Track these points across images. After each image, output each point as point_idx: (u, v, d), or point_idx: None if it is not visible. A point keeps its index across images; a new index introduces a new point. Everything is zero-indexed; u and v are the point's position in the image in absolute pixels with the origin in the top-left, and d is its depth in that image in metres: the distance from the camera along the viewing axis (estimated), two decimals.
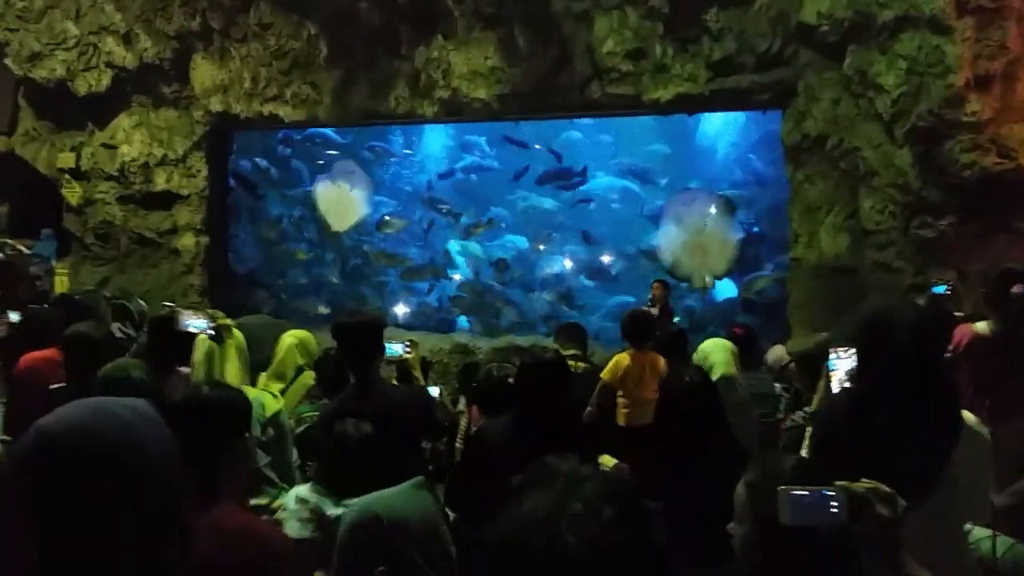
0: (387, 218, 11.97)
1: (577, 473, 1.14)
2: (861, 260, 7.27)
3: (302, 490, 3.06)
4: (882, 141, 6.96)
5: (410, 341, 4.13)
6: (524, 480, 1.14)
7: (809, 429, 2.43)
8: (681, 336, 5.88)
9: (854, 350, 2.37)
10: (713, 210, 10.32)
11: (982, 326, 4.43)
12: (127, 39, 8.92)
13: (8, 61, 9.12)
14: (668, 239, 10.51)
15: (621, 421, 5.17)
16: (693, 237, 10.32)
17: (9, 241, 8.98)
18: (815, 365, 3.52)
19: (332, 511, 2.88)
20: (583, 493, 1.10)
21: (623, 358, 5.20)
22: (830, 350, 2.63)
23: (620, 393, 5.18)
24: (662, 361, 5.26)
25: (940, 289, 5.04)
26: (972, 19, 6.38)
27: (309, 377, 3.87)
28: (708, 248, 10.32)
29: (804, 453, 2.36)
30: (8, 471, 1.11)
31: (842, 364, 2.49)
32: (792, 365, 5.56)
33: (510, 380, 3.92)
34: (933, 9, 6.42)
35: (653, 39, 7.79)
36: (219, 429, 2.13)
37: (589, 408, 4.97)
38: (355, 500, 2.71)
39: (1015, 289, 4.42)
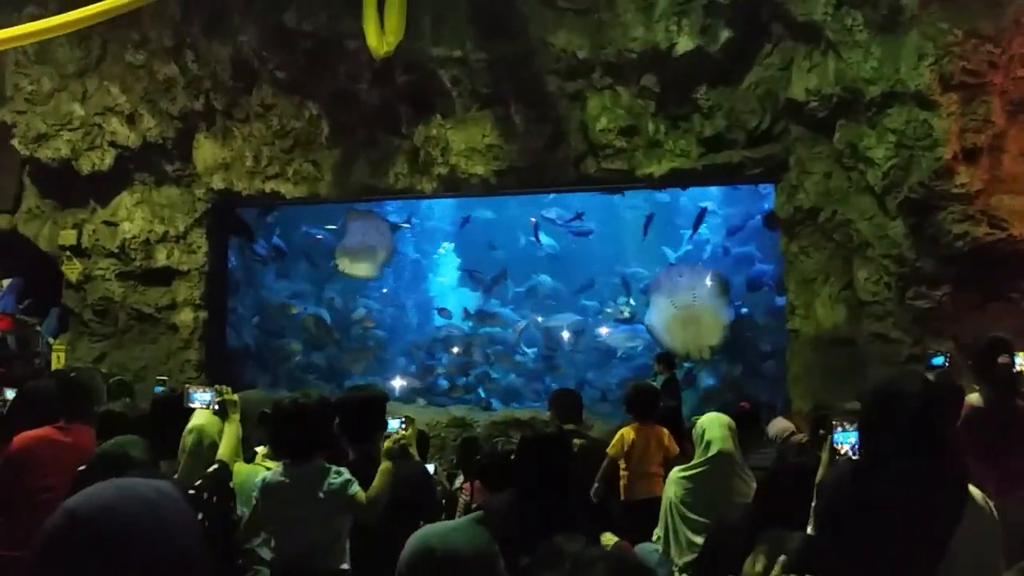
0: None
1: (586, 554, 1.14)
2: (858, 331, 7.29)
3: None
4: (875, 213, 7.06)
5: (406, 417, 4.09)
6: (533, 561, 1.13)
7: (813, 504, 2.40)
8: (674, 412, 5.85)
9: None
10: (702, 284, 10.46)
11: (975, 397, 4.43)
12: (131, 119, 9.12)
13: (15, 142, 9.30)
14: (659, 313, 10.62)
15: (623, 495, 5.11)
16: (684, 311, 10.41)
17: (29, 320, 9.07)
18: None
19: None
20: (592, 575, 1.09)
21: (628, 432, 5.17)
22: (835, 423, 2.62)
23: (623, 467, 5.13)
24: (666, 434, 5.22)
25: (938, 360, 5.06)
26: (956, 94, 6.56)
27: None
28: (701, 321, 10.39)
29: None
30: (36, 551, 1.12)
31: (848, 438, 2.47)
32: (794, 437, 5.53)
33: (513, 456, 3.87)
34: (918, 85, 6.60)
35: (645, 116, 7.99)
36: None
37: (596, 484, 4.92)
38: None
39: (1002, 359, 4.45)
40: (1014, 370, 4.55)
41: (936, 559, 2.00)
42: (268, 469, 3.74)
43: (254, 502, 3.50)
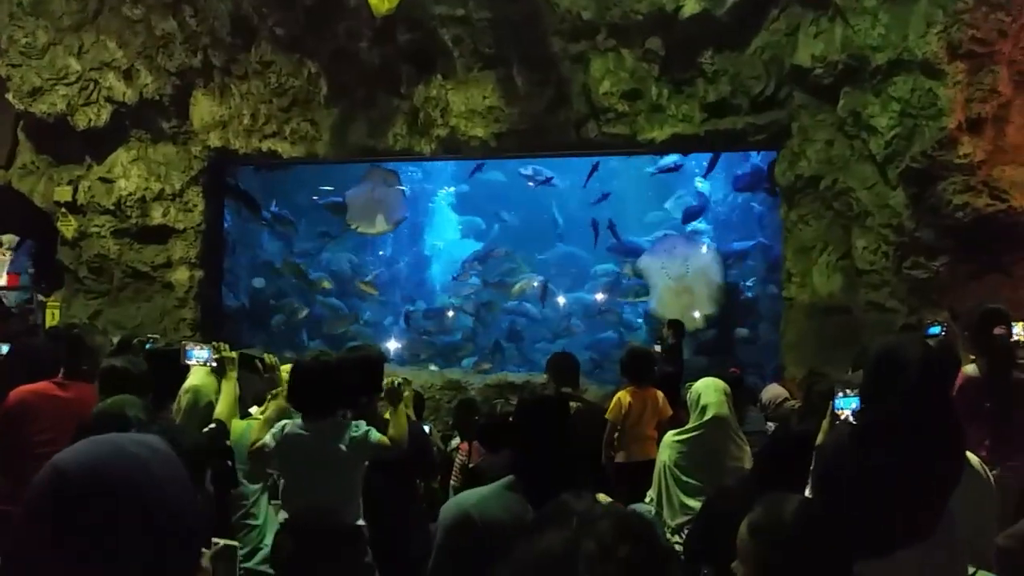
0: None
1: (592, 511, 1.14)
2: (855, 300, 7.31)
3: None
4: (876, 182, 7.04)
5: (403, 379, 4.12)
6: (539, 518, 1.14)
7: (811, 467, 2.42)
8: (670, 378, 5.87)
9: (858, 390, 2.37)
10: (694, 254, 10.48)
11: (971, 368, 4.45)
12: (128, 75, 8.99)
13: (9, 96, 9.17)
14: (653, 284, 10.66)
15: (619, 458, 5.15)
16: (676, 282, 10.43)
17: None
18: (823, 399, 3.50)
19: None
20: (598, 531, 1.09)
21: (624, 396, 5.20)
22: (836, 389, 2.63)
23: (619, 429, 5.17)
24: (661, 397, 5.25)
25: (935, 330, 5.08)
26: (963, 63, 6.49)
27: (280, 405, 3.83)
28: (695, 291, 10.42)
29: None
30: (26, 507, 1.11)
31: (849, 403, 2.49)
32: (787, 403, 5.57)
33: (511, 418, 3.90)
34: (925, 53, 6.53)
35: (649, 80, 7.91)
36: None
37: (605, 450, 4.96)
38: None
39: (998, 330, 4.47)
40: (1011, 340, 4.58)
41: (933, 522, 2.02)
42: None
43: (265, 449, 3.52)
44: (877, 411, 2.17)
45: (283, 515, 3.58)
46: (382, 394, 3.82)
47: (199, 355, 3.92)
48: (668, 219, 12.90)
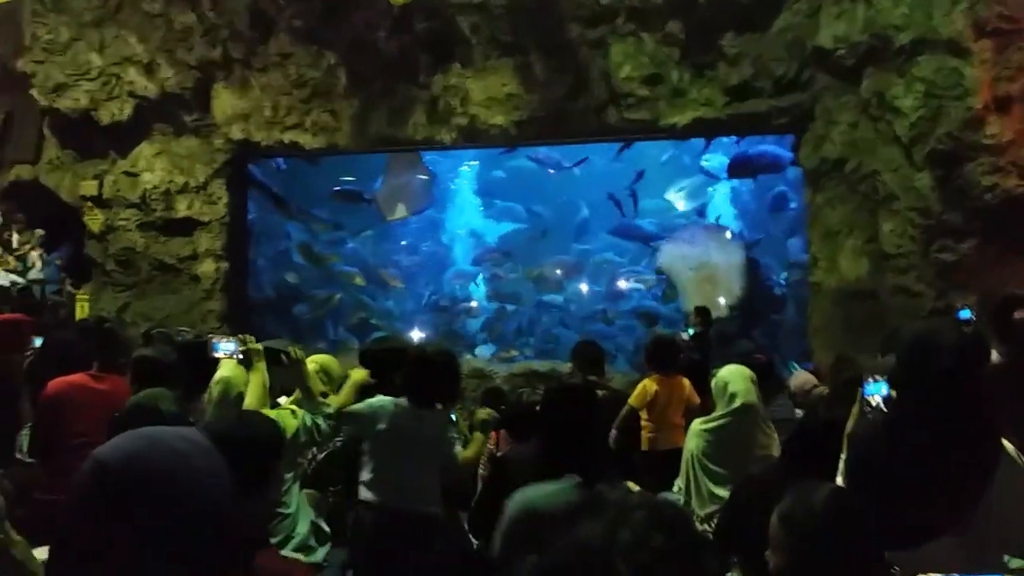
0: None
1: (627, 501, 1.15)
2: (881, 284, 7.23)
3: None
4: (901, 164, 6.95)
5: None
6: (576, 509, 1.14)
7: (843, 456, 2.40)
8: (697, 365, 5.82)
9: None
10: (714, 242, 10.44)
11: (992, 355, 4.37)
12: (149, 69, 9.06)
13: (34, 92, 9.28)
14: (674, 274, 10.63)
15: (645, 446, 5.14)
16: (696, 271, 10.38)
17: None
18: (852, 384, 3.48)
19: None
20: (634, 521, 1.10)
21: (650, 384, 5.17)
22: (865, 375, 2.61)
23: (645, 418, 5.15)
24: (688, 385, 5.23)
25: (966, 314, 5.00)
26: (990, 42, 6.39)
27: (361, 374, 3.92)
28: (716, 280, 10.37)
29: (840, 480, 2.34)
30: (67, 502, 1.13)
31: (879, 389, 2.46)
32: (817, 390, 5.52)
33: (539, 407, 3.92)
34: (950, 32, 6.43)
35: (669, 64, 7.85)
36: (252, 464, 2.13)
37: (614, 432, 4.94)
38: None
39: (1019, 314, 4.37)
40: None
41: (970, 511, 2.00)
42: (292, 412, 3.80)
43: (366, 411, 3.65)
44: (910, 398, 2.15)
45: (366, 494, 3.66)
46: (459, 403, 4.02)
47: (226, 347, 3.96)
48: (669, 208, 12.83)
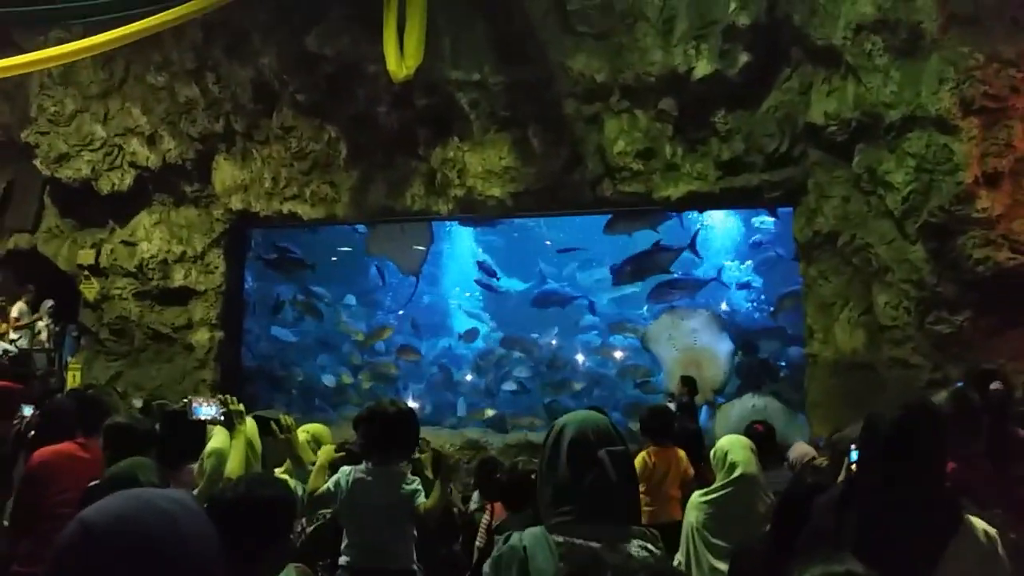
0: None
1: (628, 566, 1.11)
2: (878, 356, 7.21)
3: None
4: (894, 237, 7.01)
5: (423, 439, 4.09)
6: (573, 571, 1.11)
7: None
8: (697, 435, 5.76)
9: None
10: (701, 325, 10.43)
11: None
12: (151, 140, 9.22)
13: (36, 162, 9.41)
14: (661, 354, 10.60)
15: (643, 520, 5.02)
16: (684, 353, 10.36)
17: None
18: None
19: None
20: None
21: (646, 455, 5.10)
22: (853, 444, 2.58)
23: (642, 491, 5.05)
24: (684, 457, 5.16)
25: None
26: (977, 119, 6.53)
27: (328, 452, 3.86)
28: (702, 363, 10.31)
29: None
30: (52, 562, 1.09)
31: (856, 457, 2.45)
32: (815, 462, 5.44)
33: (534, 476, 3.84)
34: (939, 109, 6.58)
35: (663, 140, 8.00)
36: (265, 527, 2.10)
37: None
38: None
39: (994, 386, 4.44)
40: (1006, 393, 4.56)
41: None
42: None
43: (331, 489, 3.64)
44: (858, 474, 2.15)
45: (343, 559, 3.63)
46: (420, 454, 3.95)
47: (207, 411, 3.84)
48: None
